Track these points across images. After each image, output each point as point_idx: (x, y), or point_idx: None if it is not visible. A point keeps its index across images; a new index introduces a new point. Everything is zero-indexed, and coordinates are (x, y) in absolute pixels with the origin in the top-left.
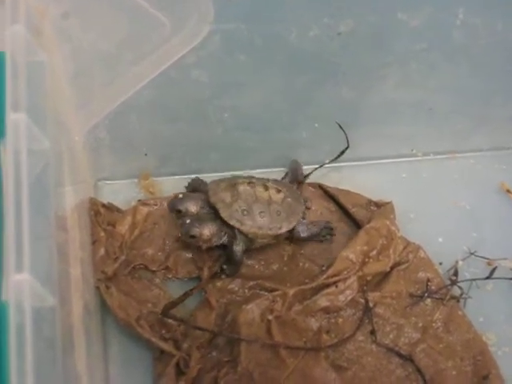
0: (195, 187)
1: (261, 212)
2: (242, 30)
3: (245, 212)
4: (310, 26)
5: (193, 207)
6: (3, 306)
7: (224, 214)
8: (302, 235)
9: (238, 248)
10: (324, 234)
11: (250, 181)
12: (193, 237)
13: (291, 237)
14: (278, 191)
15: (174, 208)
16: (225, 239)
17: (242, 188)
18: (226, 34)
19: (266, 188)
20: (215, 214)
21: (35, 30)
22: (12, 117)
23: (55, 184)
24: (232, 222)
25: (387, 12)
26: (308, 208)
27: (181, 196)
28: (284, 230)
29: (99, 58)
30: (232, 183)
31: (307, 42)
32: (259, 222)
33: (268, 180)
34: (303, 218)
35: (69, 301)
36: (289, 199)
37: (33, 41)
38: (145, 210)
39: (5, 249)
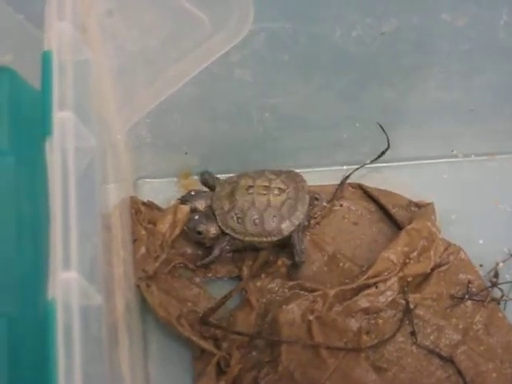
0: (206, 181)
1: (255, 219)
2: (286, 29)
3: (239, 220)
4: (354, 25)
5: (201, 205)
6: (51, 304)
7: (221, 222)
8: (295, 245)
9: (222, 247)
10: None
11: (253, 183)
12: (199, 233)
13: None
14: (281, 192)
15: (184, 203)
16: (222, 240)
17: (239, 193)
18: (270, 33)
19: (267, 190)
20: None
21: (81, 28)
22: (59, 115)
23: (100, 182)
24: (227, 231)
25: (431, 12)
26: (314, 206)
27: (193, 193)
28: (277, 238)
29: (141, 56)
30: (234, 187)
31: (350, 41)
32: (251, 230)
33: (279, 175)
34: (307, 222)
35: (113, 299)
36: (290, 201)
37: (79, 38)
38: (186, 208)
39: (52, 246)
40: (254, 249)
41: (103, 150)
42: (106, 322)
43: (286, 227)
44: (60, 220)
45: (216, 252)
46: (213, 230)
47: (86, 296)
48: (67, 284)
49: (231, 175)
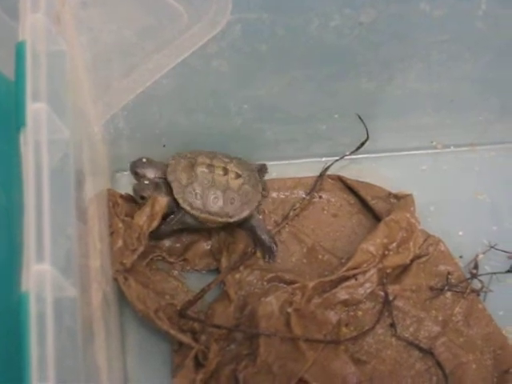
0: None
1: (214, 198)
2: (263, 19)
3: (198, 196)
4: (332, 16)
5: (151, 174)
6: (24, 296)
7: (177, 195)
8: (257, 232)
9: (176, 220)
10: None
11: (211, 162)
12: (143, 198)
13: (244, 227)
14: (238, 176)
15: (134, 170)
16: (176, 213)
17: (200, 170)
18: (247, 24)
19: (226, 172)
20: (171, 189)
21: (55, 19)
22: (33, 106)
23: (75, 174)
24: (183, 205)
25: (410, 2)
26: (264, 196)
27: (144, 160)
28: (235, 219)
29: (118, 48)
30: (192, 163)
31: (328, 32)
32: (211, 209)
33: (231, 160)
34: (257, 208)
35: (88, 292)
36: (246, 186)
37: (53, 30)
38: (163, 200)
39: (26, 239)
40: (199, 229)
41: (79, 142)
42: (80, 314)
43: (244, 211)
44: (33, 212)
45: (167, 225)
46: (160, 201)
47: (59, 288)
48: (40, 276)
49: None
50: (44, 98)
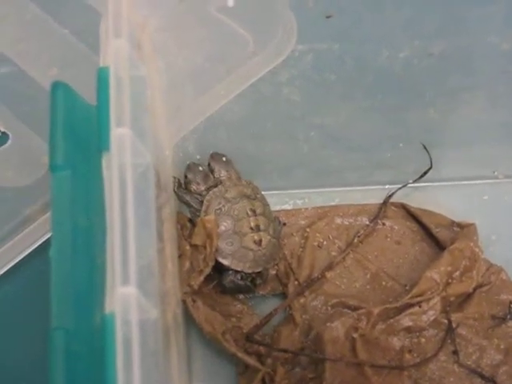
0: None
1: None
2: (333, 49)
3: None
4: (402, 47)
5: (196, 185)
6: (109, 318)
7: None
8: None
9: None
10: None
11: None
12: (185, 177)
13: None
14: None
15: (188, 170)
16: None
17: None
18: (318, 54)
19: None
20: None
21: (136, 45)
22: (116, 131)
23: (154, 197)
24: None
25: (478, 35)
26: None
27: (201, 169)
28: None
29: (189, 73)
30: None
31: (397, 63)
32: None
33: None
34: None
35: (165, 314)
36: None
37: (134, 55)
38: (211, 217)
39: (109, 261)
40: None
41: (156, 166)
42: (161, 336)
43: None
44: (118, 234)
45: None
46: (201, 188)
47: (143, 310)
48: (126, 299)
49: (277, 192)
50: (127, 123)
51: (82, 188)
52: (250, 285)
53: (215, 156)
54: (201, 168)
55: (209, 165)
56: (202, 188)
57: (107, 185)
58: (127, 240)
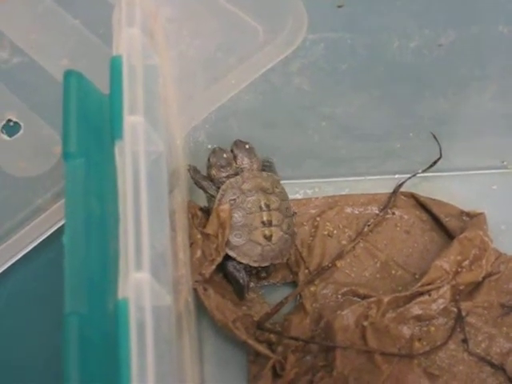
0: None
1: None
2: (345, 39)
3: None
4: (413, 36)
5: (219, 167)
6: (122, 303)
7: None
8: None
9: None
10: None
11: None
12: (208, 160)
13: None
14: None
15: (212, 154)
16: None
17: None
18: (329, 43)
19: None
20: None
21: (149, 33)
22: (129, 119)
23: (168, 185)
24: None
25: (488, 25)
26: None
27: (225, 156)
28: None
29: (200, 62)
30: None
31: (408, 53)
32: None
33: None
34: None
35: (177, 301)
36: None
37: (147, 44)
38: (226, 207)
39: (122, 247)
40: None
41: (168, 154)
42: (174, 323)
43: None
44: (132, 221)
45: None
46: (221, 174)
47: (157, 296)
48: (139, 284)
49: (286, 182)
50: (140, 111)
51: (95, 176)
52: (244, 284)
53: (239, 143)
54: (225, 155)
55: (231, 151)
56: (223, 174)
57: (120, 172)
58: (140, 226)
